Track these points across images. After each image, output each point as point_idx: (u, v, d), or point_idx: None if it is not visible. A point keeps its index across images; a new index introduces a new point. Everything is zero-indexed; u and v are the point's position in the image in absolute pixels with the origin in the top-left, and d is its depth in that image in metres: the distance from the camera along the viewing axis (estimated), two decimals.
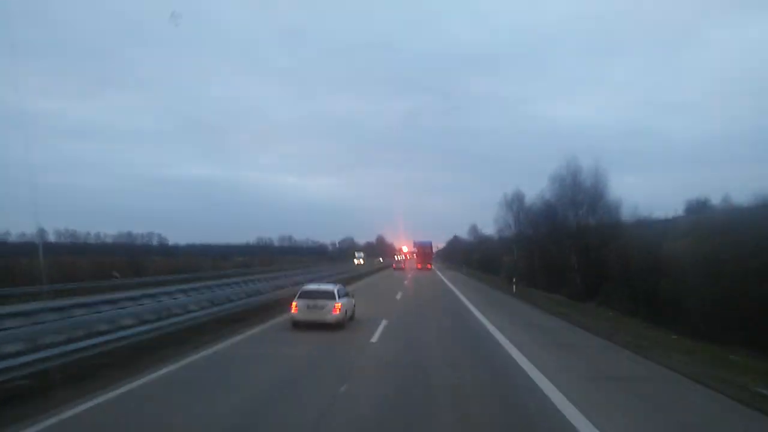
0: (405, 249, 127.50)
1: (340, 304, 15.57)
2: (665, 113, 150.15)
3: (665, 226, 42.95)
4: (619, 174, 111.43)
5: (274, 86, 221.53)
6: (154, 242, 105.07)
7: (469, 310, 22.73)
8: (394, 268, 73.28)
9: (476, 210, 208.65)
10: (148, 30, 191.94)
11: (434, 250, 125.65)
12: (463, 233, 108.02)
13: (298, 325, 15.41)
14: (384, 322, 16.86)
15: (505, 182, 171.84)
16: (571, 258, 38.73)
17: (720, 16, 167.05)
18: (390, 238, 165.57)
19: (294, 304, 15.60)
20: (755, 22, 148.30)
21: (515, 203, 52.44)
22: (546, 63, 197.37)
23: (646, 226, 38.71)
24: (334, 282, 20.19)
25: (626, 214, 38.10)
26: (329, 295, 15.81)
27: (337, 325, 15.41)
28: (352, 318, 17.14)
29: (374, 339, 14.12)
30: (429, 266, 76.61)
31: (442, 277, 52.11)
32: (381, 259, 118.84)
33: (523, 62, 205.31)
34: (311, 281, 22.31)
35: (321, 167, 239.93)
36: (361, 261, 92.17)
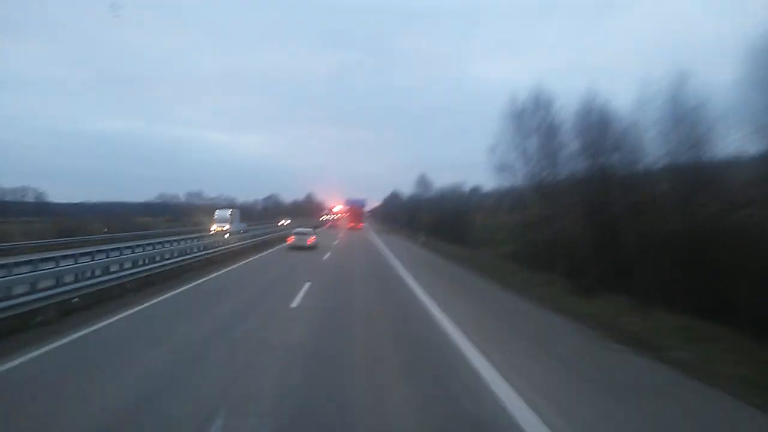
0: (337, 208, 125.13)
1: (314, 237, 35.30)
2: (596, 76, 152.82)
3: None
4: None
5: (197, 37, 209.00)
6: (30, 198, 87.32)
7: None
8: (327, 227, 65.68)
9: (411, 171, 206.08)
10: None
11: (369, 209, 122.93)
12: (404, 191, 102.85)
13: (293, 248, 33.57)
14: None
15: (439, 144, 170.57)
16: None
17: None
18: (321, 197, 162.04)
19: (291, 237, 35.22)
20: None
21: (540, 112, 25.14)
22: (479, 23, 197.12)
23: None
24: None
25: None
26: (309, 233, 35.50)
27: (311, 248, 33.71)
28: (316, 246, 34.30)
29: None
30: (360, 225, 78.58)
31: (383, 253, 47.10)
32: (284, 221, 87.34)
33: (457, 21, 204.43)
34: None
35: (248, 123, 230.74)
36: (225, 226, 52.65)
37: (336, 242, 41.14)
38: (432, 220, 50.43)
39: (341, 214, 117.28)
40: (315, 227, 49.18)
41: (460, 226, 41.18)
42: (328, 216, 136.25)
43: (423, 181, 68.10)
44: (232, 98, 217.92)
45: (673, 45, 71.94)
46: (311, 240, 33.99)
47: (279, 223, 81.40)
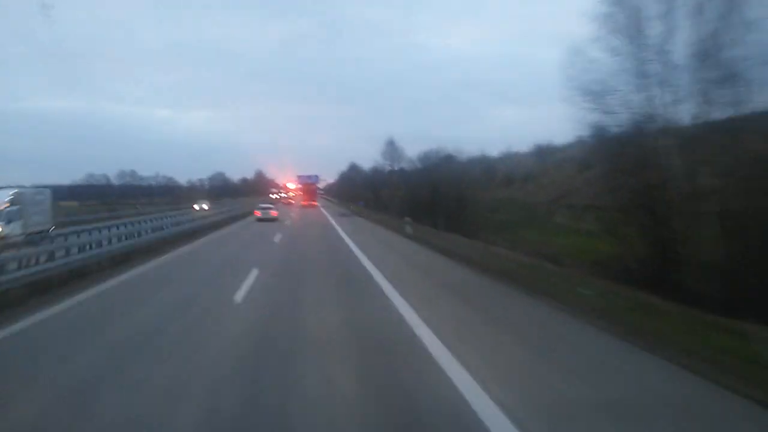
0: (290, 186, 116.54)
1: (276, 211, 40.57)
2: (542, 45, 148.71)
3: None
4: (499, 107, 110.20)
5: (137, 8, 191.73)
6: None
7: None
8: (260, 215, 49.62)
9: (363, 145, 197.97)
10: None
11: (323, 186, 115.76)
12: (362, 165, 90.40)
13: (259, 221, 38.04)
14: None
15: (393, 115, 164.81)
16: None
17: None
18: (273, 175, 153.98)
19: (257, 212, 40.72)
20: None
21: None
22: None
23: None
24: None
25: None
26: (272, 208, 40.92)
27: (275, 220, 37.46)
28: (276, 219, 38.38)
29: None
30: (314, 203, 75.21)
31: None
32: (202, 205, 55.92)
33: None
34: None
35: (194, 100, 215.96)
36: None
37: (276, 238, 25.18)
38: (409, 198, 38.34)
39: (293, 192, 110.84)
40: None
41: (462, 207, 29.29)
42: (278, 194, 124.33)
43: (391, 150, 54.81)
44: (176, 73, 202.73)
45: None
46: (274, 213, 39.90)
47: (194, 207, 54.41)
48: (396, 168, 52.87)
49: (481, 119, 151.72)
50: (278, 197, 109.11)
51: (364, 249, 18.95)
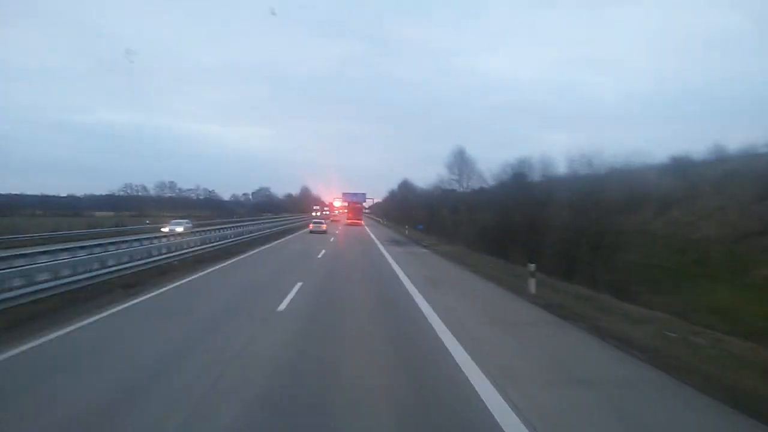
0: (336, 204, 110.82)
1: (326, 225, 48.12)
2: (594, 69, 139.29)
3: None
4: (549, 131, 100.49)
5: (192, 27, 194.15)
6: None
7: None
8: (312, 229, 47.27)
9: (411, 165, 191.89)
10: None
11: (369, 205, 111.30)
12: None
13: (312, 233, 44.27)
14: None
15: (440, 137, 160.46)
16: None
17: None
18: (317, 191, 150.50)
19: (310, 225, 48.81)
20: None
21: None
22: (478, 12, 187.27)
23: None
24: None
25: None
26: (322, 222, 48.75)
27: (325, 233, 43.09)
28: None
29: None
30: (360, 222, 72.90)
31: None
32: (173, 228, 43.66)
33: (455, 10, 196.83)
34: None
35: (243, 116, 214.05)
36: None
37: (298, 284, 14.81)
38: (498, 226, 27.16)
39: (339, 209, 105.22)
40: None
41: (605, 245, 17.96)
42: (321, 212, 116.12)
43: (460, 162, 43.60)
44: (228, 90, 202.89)
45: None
46: (324, 227, 46.43)
47: (163, 230, 43.23)
48: (464, 185, 42.24)
49: (532, 141, 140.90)
50: (320, 214, 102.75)
51: (507, 377, 7.86)
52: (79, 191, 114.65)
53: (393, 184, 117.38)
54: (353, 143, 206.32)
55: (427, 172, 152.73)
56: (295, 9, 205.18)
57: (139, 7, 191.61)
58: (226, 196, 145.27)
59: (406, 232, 48.47)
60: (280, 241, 35.94)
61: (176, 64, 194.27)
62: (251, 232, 35.82)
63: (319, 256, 24.17)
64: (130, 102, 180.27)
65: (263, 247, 29.32)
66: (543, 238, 22.04)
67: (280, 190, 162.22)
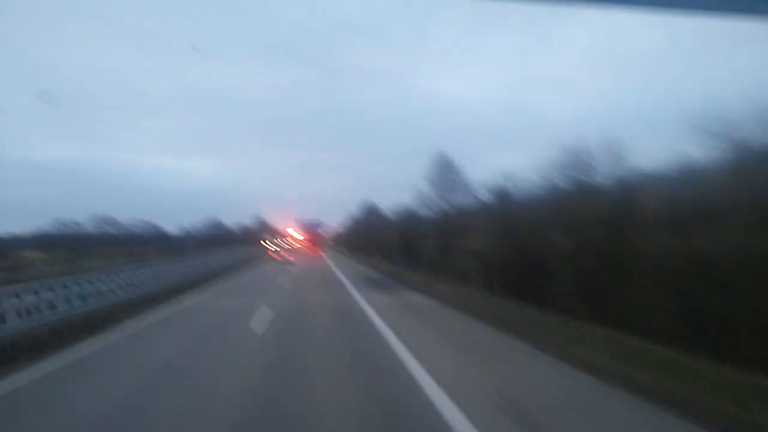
0: (294, 234, 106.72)
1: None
2: (540, 90, 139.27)
3: None
4: (498, 151, 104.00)
5: (135, 55, 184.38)
6: None
7: None
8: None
9: (368, 191, 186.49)
10: None
11: (328, 233, 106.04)
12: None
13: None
14: None
15: (394, 162, 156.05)
16: None
17: None
18: (272, 221, 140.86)
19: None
20: None
21: None
22: (428, 36, 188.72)
23: None
24: None
25: None
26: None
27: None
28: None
29: None
30: (319, 252, 69.56)
31: None
32: None
33: (406, 33, 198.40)
34: None
35: (190, 147, 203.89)
36: None
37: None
38: (516, 259, 18.47)
39: (296, 241, 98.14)
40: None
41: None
42: (273, 241, 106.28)
43: (445, 176, 34.27)
44: (173, 120, 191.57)
45: None
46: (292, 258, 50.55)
47: None
48: (449, 205, 33.30)
49: (482, 164, 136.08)
50: (271, 246, 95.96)
51: None
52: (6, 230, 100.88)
53: (351, 211, 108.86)
54: (308, 171, 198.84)
55: (389, 197, 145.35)
56: (238, 37, 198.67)
57: (75, 36, 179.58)
58: (172, 229, 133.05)
59: (379, 264, 39.09)
60: (207, 289, 25.89)
61: (118, 94, 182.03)
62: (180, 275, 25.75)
63: (257, 323, 14.39)
64: (63, 134, 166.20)
65: (171, 309, 19.34)
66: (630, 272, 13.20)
67: (232, 221, 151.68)
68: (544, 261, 20.02)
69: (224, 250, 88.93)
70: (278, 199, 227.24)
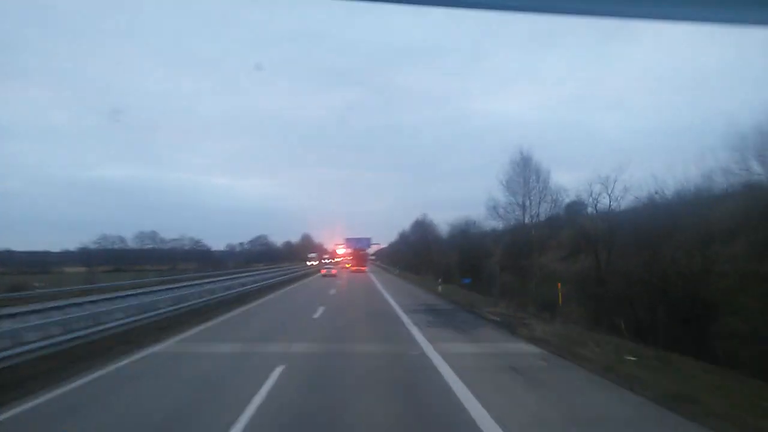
0: (340, 251, 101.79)
1: (335, 270, 59.37)
2: (598, 108, 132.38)
3: None
4: (557, 171, 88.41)
5: (197, 80, 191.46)
6: None
7: None
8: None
9: (418, 210, 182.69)
10: (61, 17, 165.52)
11: (374, 250, 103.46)
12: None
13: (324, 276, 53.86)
14: None
15: (446, 182, 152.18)
16: None
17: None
18: (320, 238, 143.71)
19: (322, 270, 59.03)
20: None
21: None
22: (482, 56, 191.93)
23: None
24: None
25: None
26: (332, 267, 61.73)
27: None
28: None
29: None
30: (363, 268, 70.43)
31: None
32: None
33: (459, 55, 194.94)
34: None
35: (242, 166, 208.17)
36: None
37: None
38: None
39: (342, 257, 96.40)
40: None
41: None
42: (320, 260, 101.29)
43: (525, 176, 26.86)
44: (227, 140, 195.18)
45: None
46: (334, 272, 55.57)
47: None
48: (533, 217, 26.26)
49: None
50: (314, 264, 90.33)
51: None
52: (61, 246, 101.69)
53: (400, 230, 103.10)
54: (357, 189, 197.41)
55: (439, 216, 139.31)
56: (292, 60, 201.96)
57: (134, 60, 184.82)
58: (220, 246, 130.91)
59: (440, 288, 32.15)
60: (232, 313, 20.31)
61: (175, 116, 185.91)
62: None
63: (275, 373, 8.25)
64: (119, 154, 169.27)
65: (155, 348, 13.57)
66: None
67: (280, 239, 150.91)
68: (706, 293, 13.00)
69: (266, 268, 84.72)
70: (327, 217, 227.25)
